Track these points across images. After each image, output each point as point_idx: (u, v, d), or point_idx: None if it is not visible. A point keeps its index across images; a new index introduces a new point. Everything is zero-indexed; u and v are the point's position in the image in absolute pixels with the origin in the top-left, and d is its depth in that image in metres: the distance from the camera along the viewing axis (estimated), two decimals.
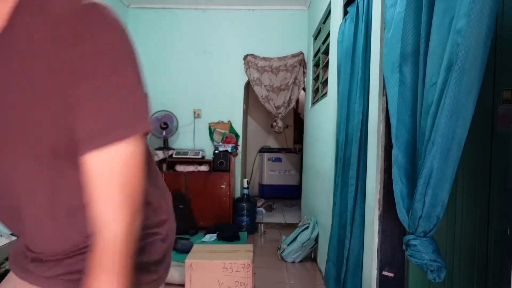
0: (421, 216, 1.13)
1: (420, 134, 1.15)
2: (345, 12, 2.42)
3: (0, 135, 0.58)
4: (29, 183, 0.61)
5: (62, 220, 0.64)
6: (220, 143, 4.43)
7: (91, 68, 0.54)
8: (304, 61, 4.51)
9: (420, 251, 1.14)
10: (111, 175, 0.57)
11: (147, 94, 0.62)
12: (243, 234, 3.80)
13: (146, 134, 0.61)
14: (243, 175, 5.08)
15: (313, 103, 3.82)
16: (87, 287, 0.56)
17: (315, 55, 3.91)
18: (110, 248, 0.56)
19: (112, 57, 0.56)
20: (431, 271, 1.14)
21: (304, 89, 4.63)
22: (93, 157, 0.55)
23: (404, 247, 1.22)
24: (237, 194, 4.70)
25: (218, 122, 4.63)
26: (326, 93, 3.08)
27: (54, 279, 0.66)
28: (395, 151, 1.29)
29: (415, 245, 1.15)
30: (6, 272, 2.20)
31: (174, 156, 4.17)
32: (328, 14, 3.13)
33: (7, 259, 2.28)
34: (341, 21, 2.45)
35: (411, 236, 1.18)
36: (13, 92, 0.56)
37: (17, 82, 0.55)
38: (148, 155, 0.70)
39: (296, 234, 3.31)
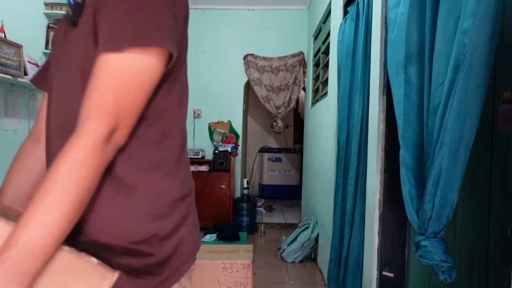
0: (431, 216, 1.12)
1: (428, 135, 1.15)
2: (345, 12, 2.42)
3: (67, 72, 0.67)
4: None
5: None
6: (220, 143, 4.42)
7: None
8: (304, 61, 4.50)
9: (431, 252, 1.14)
10: (112, 78, 0.58)
11: (174, 25, 0.63)
12: (243, 234, 3.80)
13: (167, 56, 0.61)
14: (243, 175, 5.08)
15: (313, 103, 3.82)
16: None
17: (315, 55, 3.91)
18: (76, 150, 0.55)
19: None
20: (442, 271, 1.14)
21: (304, 89, 4.62)
22: (103, 58, 0.58)
23: (414, 248, 1.22)
24: (237, 194, 4.69)
25: (218, 122, 4.63)
26: (326, 93, 3.08)
27: None
28: (402, 152, 1.29)
29: (425, 246, 1.15)
30: None
31: None
32: (328, 14, 3.12)
33: None
34: (341, 21, 2.45)
35: (421, 237, 1.18)
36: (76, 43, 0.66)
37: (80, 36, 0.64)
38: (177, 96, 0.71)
39: (296, 234, 3.30)
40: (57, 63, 0.73)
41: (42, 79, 0.82)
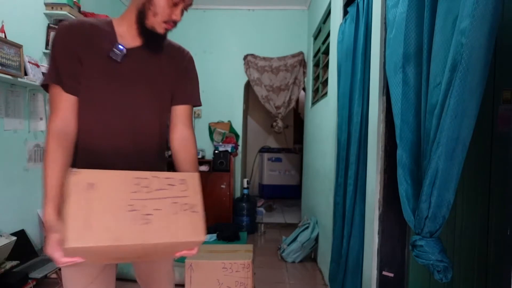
0: (427, 216, 1.12)
1: (425, 134, 1.15)
2: (345, 12, 2.42)
3: (150, 95, 1.15)
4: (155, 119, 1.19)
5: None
6: (220, 143, 4.43)
7: (190, 75, 1.27)
8: (304, 61, 4.51)
9: (427, 252, 1.13)
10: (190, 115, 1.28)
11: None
12: (243, 234, 3.80)
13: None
14: (243, 175, 5.08)
15: (313, 103, 3.82)
16: None
17: (315, 55, 3.91)
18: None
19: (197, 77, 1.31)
20: (438, 271, 1.14)
21: (304, 89, 4.63)
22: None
23: (410, 248, 1.22)
24: (237, 194, 4.70)
25: (218, 122, 4.63)
26: (326, 93, 3.08)
27: None
28: (399, 152, 1.29)
29: (421, 246, 1.15)
30: (6, 272, 2.20)
31: None
32: (328, 14, 3.13)
33: (7, 259, 2.28)
34: (341, 21, 2.45)
35: (418, 237, 1.18)
36: (157, 76, 1.16)
37: (160, 72, 1.17)
38: None
39: (296, 234, 3.31)
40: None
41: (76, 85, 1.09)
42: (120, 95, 1.10)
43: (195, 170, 1.19)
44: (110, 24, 1.12)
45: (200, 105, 1.30)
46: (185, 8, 1.11)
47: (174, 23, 1.10)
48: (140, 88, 1.12)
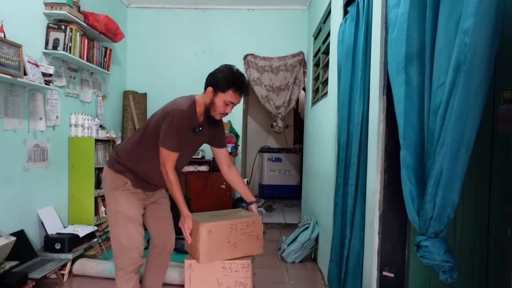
0: (432, 217, 1.12)
1: (428, 135, 1.15)
2: (345, 12, 2.42)
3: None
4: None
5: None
6: None
7: (222, 130, 2.12)
8: (304, 61, 4.50)
9: (432, 252, 1.13)
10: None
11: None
12: None
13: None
14: (243, 175, 5.08)
15: (313, 103, 3.82)
16: None
17: (315, 55, 3.90)
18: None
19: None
20: (443, 272, 1.14)
21: (304, 89, 4.62)
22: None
23: (415, 248, 1.22)
24: (237, 194, 4.69)
25: None
26: (326, 93, 3.08)
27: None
28: (403, 152, 1.28)
29: (426, 246, 1.14)
30: (6, 272, 2.20)
31: None
32: (328, 14, 3.12)
33: (6, 259, 2.28)
34: (341, 21, 2.45)
35: (422, 237, 1.17)
36: (207, 135, 1.98)
37: (210, 132, 1.97)
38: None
39: (296, 234, 3.30)
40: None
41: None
42: (189, 148, 1.95)
43: (245, 185, 2.15)
44: (195, 108, 1.81)
45: (225, 147, 2.12)
46: (235, 105, 1.82)
47: (226, 114, 1.82)
48: (199, 143, 2.00)
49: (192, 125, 1.80)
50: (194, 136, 1.85)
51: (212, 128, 1.91)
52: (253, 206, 2.04)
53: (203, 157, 4.30)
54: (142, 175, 1.88)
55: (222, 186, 4.15)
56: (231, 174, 2.06)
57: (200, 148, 4.52)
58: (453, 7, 1.03)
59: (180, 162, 1.88)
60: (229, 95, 1.75)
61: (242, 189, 2.08)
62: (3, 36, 2.35)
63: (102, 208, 3.42)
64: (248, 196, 2.06)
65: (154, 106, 4.30)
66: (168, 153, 1.75)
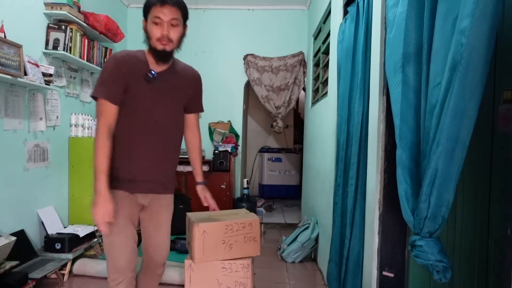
0: (426, 216, 1.12)
1: (424, 134, 1.15)
2: (345, 12, 2.42)
3: (171, 105, 1.60)
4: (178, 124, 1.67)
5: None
6: (220, 143, 4.42)
7: (199, 90, 1.77)
8: (304, 61, 4.50)
9: (426, 252, 1.13)
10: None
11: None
12: None
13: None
14: (243, 175, 5.08)
15: (313, 103, 3.82)
16: None
17: (315, 55, 3.91)
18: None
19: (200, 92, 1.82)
20: (437, 271, 1.14)
21: (304, 89, 4.62)
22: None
23: (409, 248, 1.22)
24: (237, 194, 4.69)
25: (218, 122, 4.63)
26: (326, 93, 3.08)
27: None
28: (399, 152, 1.28)
29: (420, 246, 1.14)
30: (6, 272, 2.20)
31: None
32: (328, 14, 3.12)
33: (6, 259, 2.28)
34: (341, 21, 2.45)
35: (417, 237, 1.17)
36: (177, 90, 1.62)
37: (181, 85, 1.64)
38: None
39: (296, 234, 3.30)
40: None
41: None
42: (152, 106, 1.55)
43: (201, 158, 1.90)
44: (144, 54, 1.54)
45: (202, 111, 1.86)
46: (172, 25, 1.48)
47: (169, 39, 1.47)
48: (167, 100, 1.59)
49: (140, 70, 1.49)
50: (151, 87, 1.51)
51: (178, 79, 1.60)
52: (199, 187, 1.85)
53: (203, 157, 4.30)
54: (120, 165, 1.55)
55: (222, 186, 4.15)
56: (191, 141, 1.82)
57: None
58: (450, 7, 1.03)
59: (143, 122, 1.53)
60: (153, 12, 1.48)
61: (194, 162, 1.86)
62: (3, 36, 2.35)
63: None
64: (198, 173, 1.86)
65: None
66: (100, 104, 1.46)
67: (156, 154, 1.58)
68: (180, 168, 4.14)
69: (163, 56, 1.49)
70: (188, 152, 1.85)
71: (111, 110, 1.46)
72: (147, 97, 1.52)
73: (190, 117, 1.77)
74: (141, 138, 1.54)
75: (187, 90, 1.67)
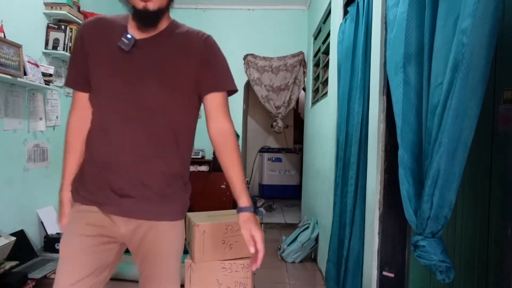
0: (429, 217, 1.12)
1: (426, 134, 1.15)
2: (345, 12, 2.42)
3: (164, 80, 1.09)
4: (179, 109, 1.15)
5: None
6: None
7: (213, 59, 1.20)
8: (304, 61, 4.50)
9: (429, 252, 1.13)
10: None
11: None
12: None
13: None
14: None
15: (313, 103, 3.82)
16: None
17: (315, 55, 3.90)
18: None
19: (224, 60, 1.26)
20: (440, 272, 1.14)
21: (304, 89, 4.62)
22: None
23: (412, 248, 1.22)
24: None
25: None
26: (326, 93, 3.08)
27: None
28: (400, 152, 1.28)
29: (423, 246, 1.14)
30: (6, 272, 2.20)
31: None
32: (328, 14, 3.12)
33: (6, 259, 2.28)
34: (341, 21, 2.45)
35: (419, 237, 1.17)
36: (174, 59, 1.11)
37: (177, 55, 1.12)
38: None
39: (296, 235, 3.30)
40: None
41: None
42: (128, 85, 1.07)
43: (239, 168, 1.16)
44: (126, 18, 1.13)
45: (234, 89, 1.20)
46: None
47: None
48: (152, 77, 1.07)
49: (112, 37, 1.07)
50: (128, 60, 1.07)
51: (171, 48, 1.11)
52: (243, 217, 1.12)
53: (203, 157, 4.31)
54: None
55: (222, 186, 4.15)
56: (221, 146, 1.21)
57: (200, 148, 4.55)
58: (451, 7, 1.03)
59: (113, 108, 1.08)
60: None
61: (227, 172, 1.19)
62: (3, 36, 2.35)
63: None
64: (237, 192, 1.16)
65: None
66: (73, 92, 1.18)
67: (135, 155, 1.08)
68: None
69: (146, 18, 1.05)
70: (217, 157, 1.23)
71: (76, 98, 1.16)
72: (121, 73, 1.07)
73: (207, 101, 1.17)
74: (113, 131, 1.08)
75: (189, 63, 1.12)
